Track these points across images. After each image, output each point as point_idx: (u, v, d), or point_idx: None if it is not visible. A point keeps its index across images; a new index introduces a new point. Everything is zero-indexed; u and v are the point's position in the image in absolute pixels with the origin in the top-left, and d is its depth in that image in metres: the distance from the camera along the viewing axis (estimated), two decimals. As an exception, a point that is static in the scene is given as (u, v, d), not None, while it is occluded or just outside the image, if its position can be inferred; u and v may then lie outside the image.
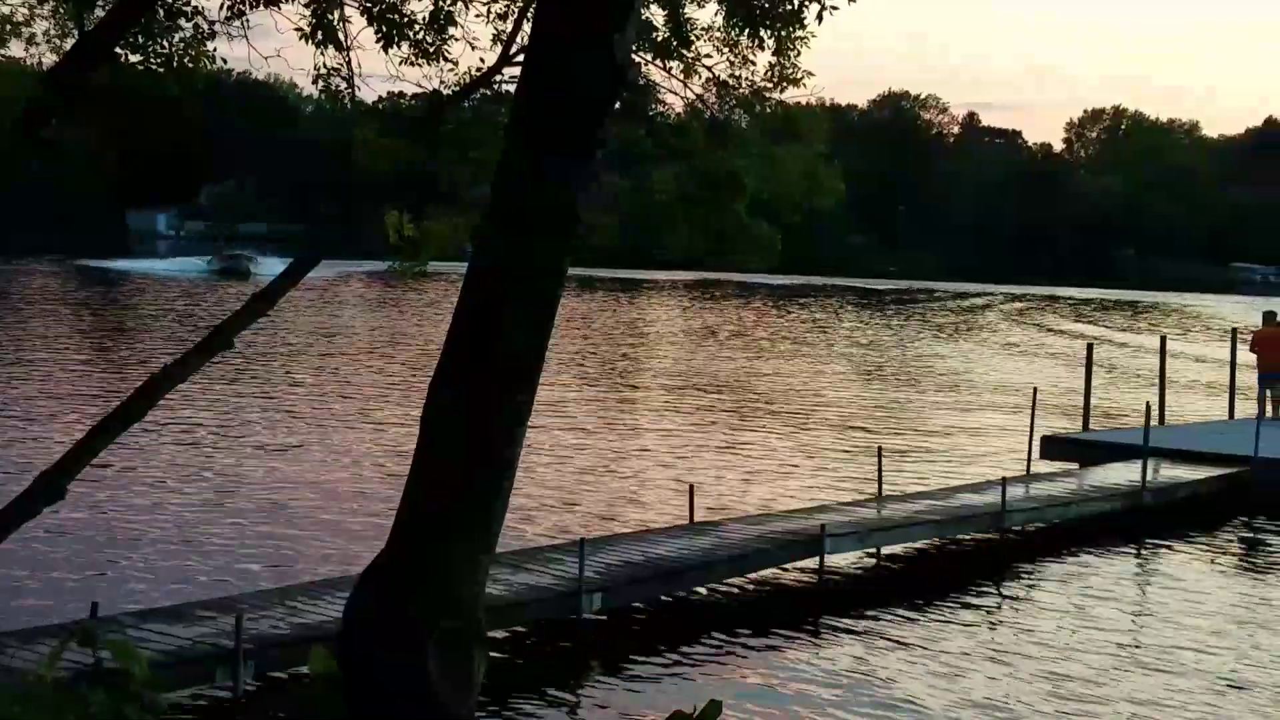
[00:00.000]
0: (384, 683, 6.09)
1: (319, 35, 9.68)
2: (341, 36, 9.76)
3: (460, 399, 6.30)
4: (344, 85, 10.38)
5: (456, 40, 10.12)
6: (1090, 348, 24.96)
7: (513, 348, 6.19)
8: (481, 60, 10.32)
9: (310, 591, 11.29)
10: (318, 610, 10.55)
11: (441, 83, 10.38)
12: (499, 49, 10.15)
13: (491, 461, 6.25)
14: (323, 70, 10.23)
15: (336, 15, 9.69)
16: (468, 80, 10.31)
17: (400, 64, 10.12)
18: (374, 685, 6.09)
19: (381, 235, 11.42)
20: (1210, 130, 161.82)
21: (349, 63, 9.93)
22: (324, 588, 11.28)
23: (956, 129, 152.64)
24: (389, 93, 12.97)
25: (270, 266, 63.89)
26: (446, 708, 6.04)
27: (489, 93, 10.69)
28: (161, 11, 9.41)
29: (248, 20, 9.70)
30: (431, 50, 10.03)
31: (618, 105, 11.36)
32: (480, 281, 6.36)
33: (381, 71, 10.44)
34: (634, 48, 10.45)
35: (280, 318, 43.66)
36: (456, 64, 10.25)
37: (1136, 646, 12.46)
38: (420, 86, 10.61)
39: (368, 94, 11.42)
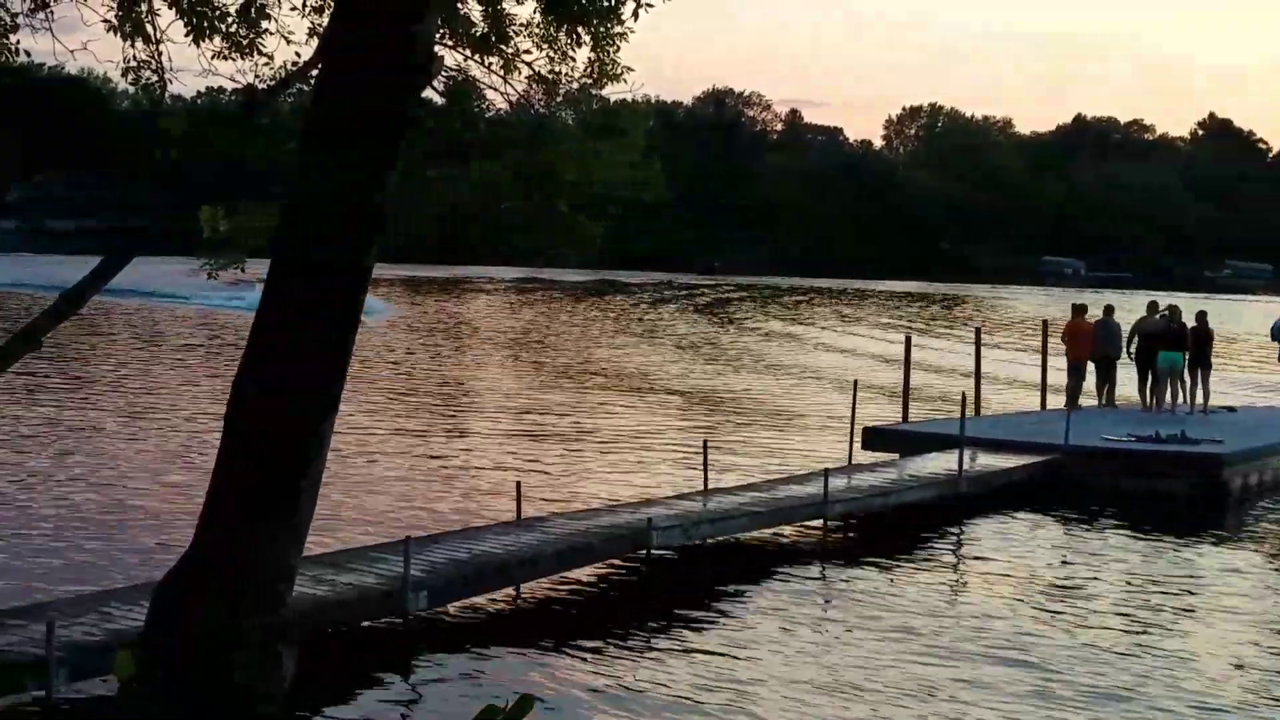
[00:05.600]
0: (189, 680, 5.98)
1: (127, 27, 9.42)
2: (150, 29, 9.52)
3: (267, 393, 6.22)
4: (155, 79, 10.13)
5: (270, 34, 9.95)
6: (909, 341, 25.59)
7: (319, 341, 6.13)
8: (297, 55, 10.17)
9: (125, 596, 10.99)
10: (133, 615, 10.24)
11: (256, 77, 10.19)
12: (315, 43, 9.99)
13: (298, 455, 6.18)
14: (133, 63, 9.96)
15: (145, 7, 9.44)
16: (283, 75, 10.14)
17: (213, 58, 9.91)
18: (179, 683, 5.97)
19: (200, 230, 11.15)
20: (1022, 127, 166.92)
21: (159, 56, 9.69)
22: (139, 592, 10.96)
23: (780, 125, 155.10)
24: (207, 87, 12.69)
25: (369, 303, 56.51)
26: (253, 705, 5.95)
27: (306, 87, 10.52)
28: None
29: (52, 13, 9.40)
30: (245, 44, 9.84)
31: (440, 100, 11.30)
32: (285, 275, 6.28)
33: (195, 65, 10.21)
34: (452, 43, 10.41)
35: (90, 316, 42.40)
36: (271, 58, 10.08)
37: (953, 631, 12.82)
38: (234, 81, 10.40)
39: (183, 89, 11.15)
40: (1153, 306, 26.26)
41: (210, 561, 6.16)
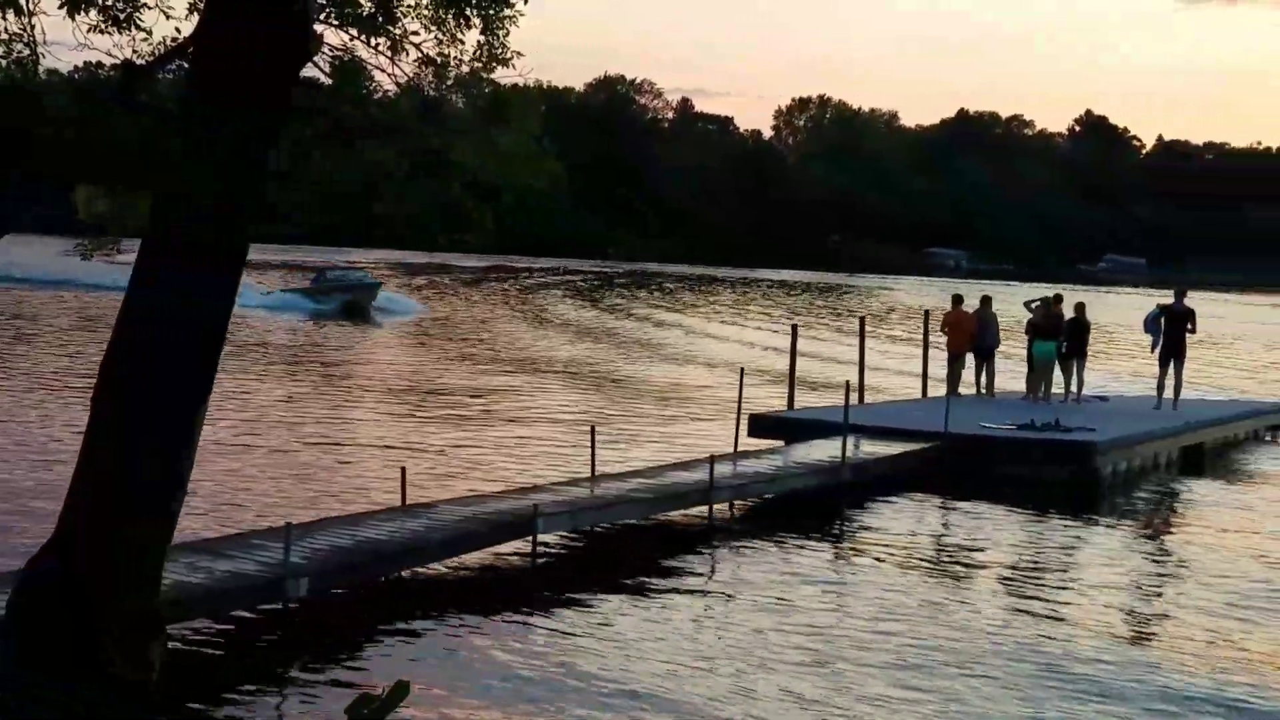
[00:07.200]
0: (54, 667, 5.83)
1: (-3, -2, 9.12)
2: (22, 0, 9.23)
3: (136, 381, 6.06)
4: (27, 53, 9.82)
5: (149, 8, 9.67)
6: (795, 330, 25.81)
7: (192, 327, 5.99)
8: (177, 30, 9.89)
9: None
10: None
11: (134, 52, 9.90)
12: (195, 19, 9.75)
13: (168, 441, 6.04)
14: (3, 36, 9.64)
15: (16, -23, 9.16)
16: (162, 50, 9.87)
17: (89, 32, 9.61)
18: (45, 669, 5.82)
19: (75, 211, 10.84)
20: (908, 120, 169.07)
21: (31, 29, 9.39)
22: (3, 579, 10.67)
23: (671, 114, 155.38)
24: (85, 62, 12.35)
25: (398, 302, 53.18)
26: (121, 692, 5.83)
27: (186, 64, 10.26)
28: None
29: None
30: (122, 18, 9.56)
31: (327, 81, 11.11)
32: (157, 254, 6.14)
33: (70, 39, 9.92)
34: (338, 23, 10.23)
35: None
36: (150, 33, 9.80)
37: (834, 616, 12.97)
38: (111, 56, 10.10)
39: (58, 64, 10.79)
40: (1059, 298, 26.72)
41: (76, 544, 5.99)
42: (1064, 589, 14.27)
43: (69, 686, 5.81)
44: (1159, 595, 14.39)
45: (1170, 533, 18.19)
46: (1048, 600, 13.70)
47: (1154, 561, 16.29)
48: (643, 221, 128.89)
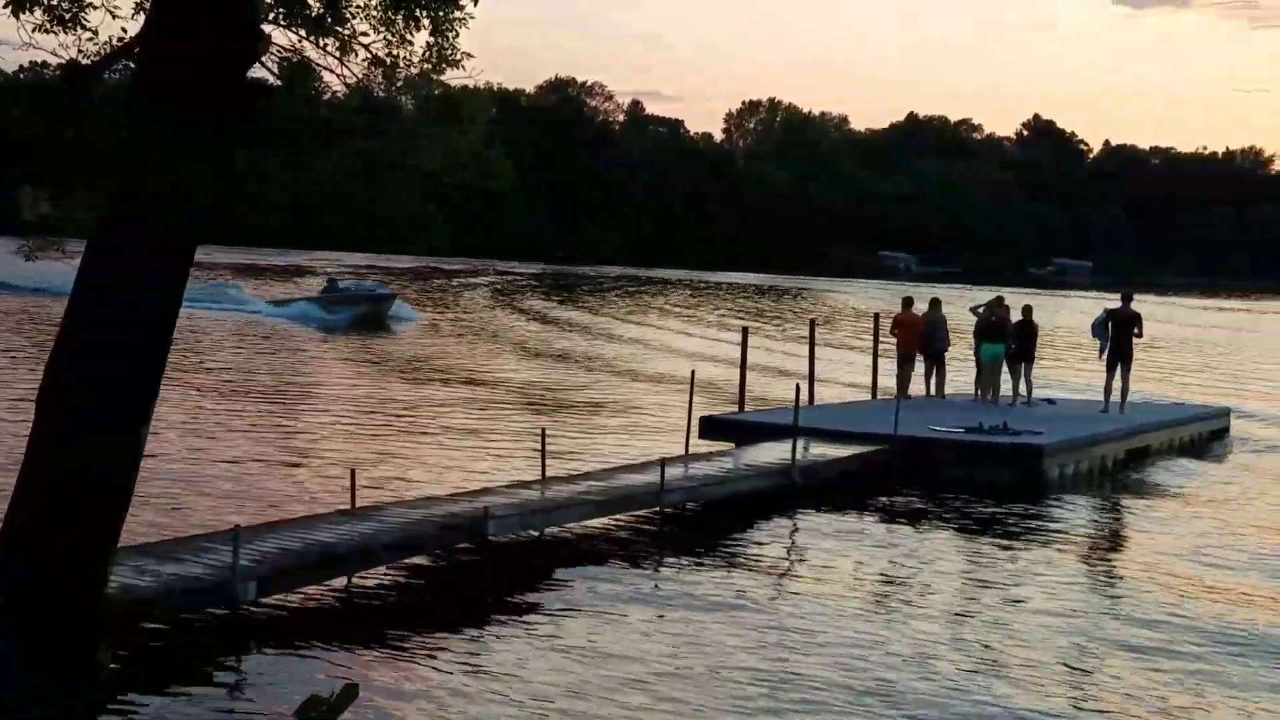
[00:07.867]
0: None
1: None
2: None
3: (83, 383, 6.02)
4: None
5: (95, 8, 9.61)
6: (745, 332, 25.90)
7: (141, 328, 5.97)
8: (124, 30, 9.83)
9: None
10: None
11: (80, 52, 9.83)
12: (142, 18, 9.69)
13: (114, 444, 6.01)
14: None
15: (-40, -25, 9.07)
16: (108, 50, 9.80)
17: (34, 31, 9.53)
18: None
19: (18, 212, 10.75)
20: (858, 124, 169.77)
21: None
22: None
23: (622, 117, 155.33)
24: (30, 62, 12.24)
25: (407, 311, 51.68)
26: (65, 696, 5.80)
27: (132, 64, 10.20)
28: None
29: None
30: (67, 17, 9.49)
31: (276, 82, 11.07)
32: (105, 254, 6.10)
33: (14, 38, 9.83)
34: (286, 23, 10.20)
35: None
36: (96, 33, 9.73)
37: (782, 619, 13.02)
38: (57, 56, 10.02)
39: (2, 63, 10.70)
40: (1000, 300, 26.90)
41: (20, 548, 5.95)
42: (1002, 607, 13.88)
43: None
44: (1093, 616, 13.96)
45: (1111, 542, 18.29)
46: (986, 620, 13.35)
47: (1091, 577, 15.91)
48: (594, 223, 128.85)
